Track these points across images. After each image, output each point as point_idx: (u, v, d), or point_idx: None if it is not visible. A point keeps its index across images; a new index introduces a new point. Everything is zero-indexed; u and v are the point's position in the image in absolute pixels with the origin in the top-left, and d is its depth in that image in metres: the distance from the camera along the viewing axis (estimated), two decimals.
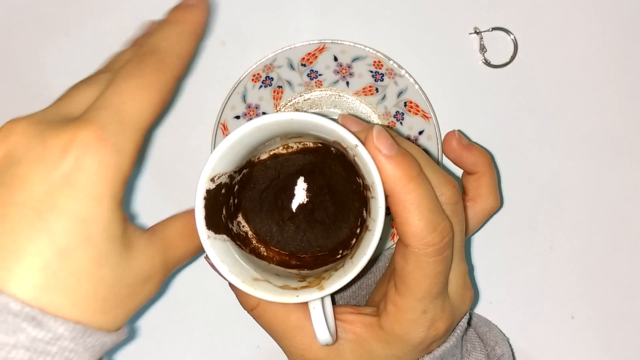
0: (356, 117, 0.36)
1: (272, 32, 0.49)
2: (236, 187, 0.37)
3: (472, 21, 0.49)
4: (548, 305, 0.49)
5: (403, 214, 0.32)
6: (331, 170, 0.39)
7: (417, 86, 0.46)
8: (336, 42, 0.46)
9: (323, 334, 0.34)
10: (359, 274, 0.33)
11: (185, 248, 0.34)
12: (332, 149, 0.37)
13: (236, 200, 0.38)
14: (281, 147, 0.39)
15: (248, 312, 0.38)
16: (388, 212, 0.33)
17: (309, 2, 0.49)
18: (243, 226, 0.39)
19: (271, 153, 0.39)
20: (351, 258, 0.34)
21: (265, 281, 0.34)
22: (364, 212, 0.38)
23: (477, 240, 0.49)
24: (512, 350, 0.45)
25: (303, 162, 0.39)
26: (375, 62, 0.46)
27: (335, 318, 0.36)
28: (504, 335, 0.46)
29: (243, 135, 0.32)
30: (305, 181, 0.40)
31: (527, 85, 0.49)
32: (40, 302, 0.27)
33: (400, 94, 0.47)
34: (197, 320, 0.49)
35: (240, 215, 0.39)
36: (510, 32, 0.49)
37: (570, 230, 0.49)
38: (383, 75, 0.47)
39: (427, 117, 0.47)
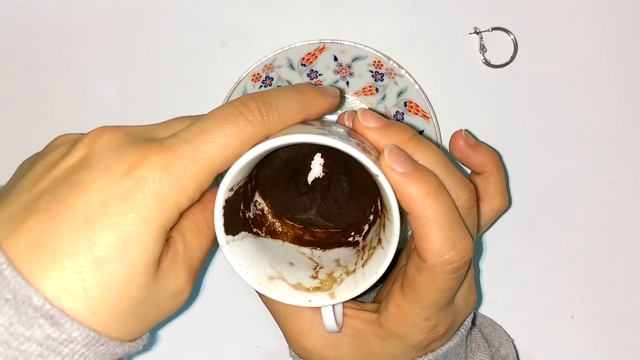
0: (375, 111, 0.36)
1: (272, 32, 0.49)
2: (254, 170, 0.38)
3: (472, 21, 0.49)
4: (548, 305, 0.49)
5: (421, 230, 0.32)
6: (351, 158, 0.39)
7: (417, 86, 0.46)
8: (336, 42, 0.46)
9: (330, 321, 0.35)
10: (370, 287, 0.34)
11: (205, 246, 0.34)
12: None
13: (254, 182, 0.39)
14: None
15: (260, 297, 0.39)
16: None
17: (309, 2, 0.49)
18: (259, 204, 0.39)
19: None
20: (363, 267, 0.35)
21: (279, 279, 0.35)
22: (378, 200, 0.38)
23: (477, 240, 0.49)
24: (516, 351, 0.45)
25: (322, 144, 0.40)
26: (375, 62, 0.46)
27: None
28: (509, 336, 0.46)
29: (264, 151, 0.32)
30: (322, 157, 0.40)
31: (527, 85, 0.49)
32: (62, 304, 0.28)
33: (400, 93, 0.47)
34: (197, 320, 0.49)
35: (257, 193, 0.39)
36: (510, 32, 0.49)
37: (570, 230, 0.49)
38: (383, 75, 0.47)
39: (427, 117, 0.47)
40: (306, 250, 0.39)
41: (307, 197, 0.41)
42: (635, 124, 0.49)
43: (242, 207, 0.37)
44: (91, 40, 0.49)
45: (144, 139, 0.31)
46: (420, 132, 0.47)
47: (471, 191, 0.35)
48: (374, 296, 0.42)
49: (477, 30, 0.49)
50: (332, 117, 0.45)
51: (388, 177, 0.32)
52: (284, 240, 0.39)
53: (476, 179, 0.40)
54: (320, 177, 0.40)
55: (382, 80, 0.47)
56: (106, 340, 0.29)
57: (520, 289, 0.49)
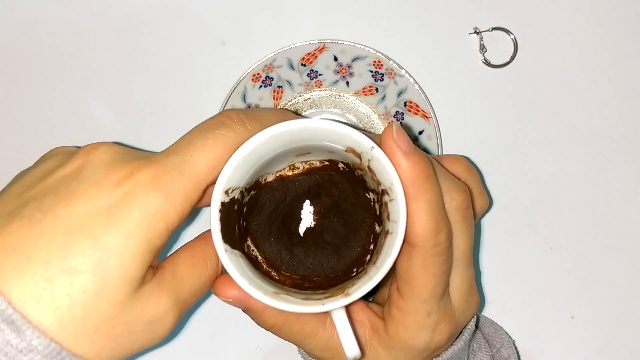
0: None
1: (272, 32, 0.49)
2: (245, 209, 0.37)
3: (472, 21, 0.49)
4: (548, 305, 0.49)
5: (416, 212, 0.32)
6: (338, 189, 0.39)
7: (417, 86, 0.46)
8: (336, 42, 0.46)
9: (352, 349, 0.33)
10: (385, 277, 0.33)
11: (200, 278, 0.33)
12: (340, 165, 0.37)
13: (245, 224, 0.38)
14: (287, 168, 0.38)
15: (269, 330, 0.38)
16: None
17: (309, 2, 0.49)
18: (253, 250, 0.38)
19: (277, 175, 0.38)
20: (374, 264, 0.34)
21: (286, 294, 0.34)
22: (376, 226, 0.37)
23: (478, 240, 0.49)
24: (517, 353, 0.45)
25: (309, 183, 0.39)
26: (375, 62, 0.46)
27: (348, 311, 0.36)
28: (510, 337, 0.46)
29: (257, 145, 0.32)
30: (311, 204, 0.40)
31: (527, 85, 0.49)
32: (27, 310, 0.27)
33: (400, 93, 0.47)
34: (197, 320, 0.49)
35: (249, 239, 0.38)
36: (510, 32, 0.49)
37: (570, 230, 0.49)
38: (383, 75, 0.47)
39: (427, 117, 0.47)
40: (309, 291, 0.37)
41: (302, 247, 0.39)
42: (635, 124, 0.49)
43: (237, 231, 0.36)
44: (91, 41, 0.49)
45: (138, 156, 0.31)
46: (421, 132, 0.47)
47: (465, 191, 0.35)
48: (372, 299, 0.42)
49: (477, 30, 0.49)
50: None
51: (392, 154, 0.32)
52: (283, 285, 0.38)
53: None
54: (312, 226, 0.40)
55: (382, 80, 0.47)
56: (68, 354, 0.28)
57: (520, 289, 0.49)
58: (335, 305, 0.33)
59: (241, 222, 0.37)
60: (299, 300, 0.33)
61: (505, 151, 0.49)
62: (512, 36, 0.49)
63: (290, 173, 0.38)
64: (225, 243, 0.33)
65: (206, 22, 0.49)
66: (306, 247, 0.39)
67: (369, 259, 0.37)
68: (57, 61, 0.49)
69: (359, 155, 0.33)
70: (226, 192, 0.33)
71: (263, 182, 0.38)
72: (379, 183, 0.34)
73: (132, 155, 0.31)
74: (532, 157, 0.49)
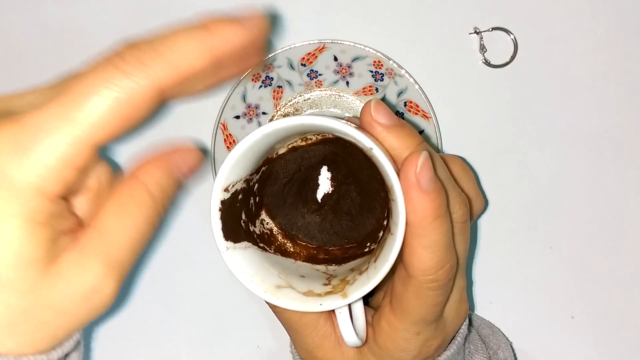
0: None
1: (272, 32, 0.49)
2: (256, 185, 0.36)
3: (472, 21, 0.49)
4: (548, 305, 0.49)
5: (417, 248, 0.31)
6: (354, 159, 0.38)
7: (417, 86, 0.46)
8: (336, 42, 0.46)
9: (350, 337, 0.34)
10: (383, 279, 0.32)
11: (133, 230, 0.27)
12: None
13: (257, 199, 0.37)
14: (300, 140, 0.37)
15: (272, 309, 0.38)
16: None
17: (309, 2, 0.49)
18: (267, 223, 0.38)
19: (290, 147, 0.37)
20: (375, 262, 0.33)
21: (288, 287, 0.33)
22: (390, 202, 0.36)
23: (477, 240, 0.49)
24: (515, 356, 0.45)
25: (324, 152, 0.38)
26: (375, 62, 0.46)
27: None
28: (507, 339, 0.46)
29: (253, 143, 0.31)
30: (329, 170, 0.38)
31: (527, 85, 0.49)
32: None
33: (400, 93, 0.47)
34: (197, 320, 0.49)
35: (263, 212, 0.38)
36: (510, 32, 0.49)
37: (570, 230, 0.49)
38: (383, 75, 0.47)
39: (427, 117, 0.47)
40: (320, 267, 0.37)
41: (318, 214, 0.39)
42: (635, 124, 0.49)
43: (244, 218, 0.35)
44: (91, 41, 0.49)
45: (2, 113, 0.25)
46: (421, 132, 0.47)
47: (466, 205, 0.34)
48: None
49: (477, 30, 0.49)
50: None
51: (408, 186, 0.30)
52: (296, 259, 0.38)
53: None
54: (330, 192, 0.39)
55: (382, 80, 0.47)
56: None
57: (520, 289, 0.49)
58: (332, 306, 0.33)
59: (253, 199, 0.36)
60: (300, 296, 0.33)
61: (505, 151, 0.49)
62: (512, 36, 0.49)
63: (304, 143, 0.37)
64: (228, 240, 0.32)
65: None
66: (323, 214, 0.39)
67: (381, 237, 0.36)
68: (57, 61, 0.49)
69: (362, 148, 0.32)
70: (226, 190, 0.32)
71: (275, 155, 0.37)
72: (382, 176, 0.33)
73: None
74: (532, 157, 0.49)
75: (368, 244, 0.38)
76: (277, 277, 0.34)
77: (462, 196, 0.35)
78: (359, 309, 0.35)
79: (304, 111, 0.47)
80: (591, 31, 0.49)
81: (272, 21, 0.49)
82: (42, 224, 0.25)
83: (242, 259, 0.33)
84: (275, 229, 0.38)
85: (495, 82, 0.49)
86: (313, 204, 0.39)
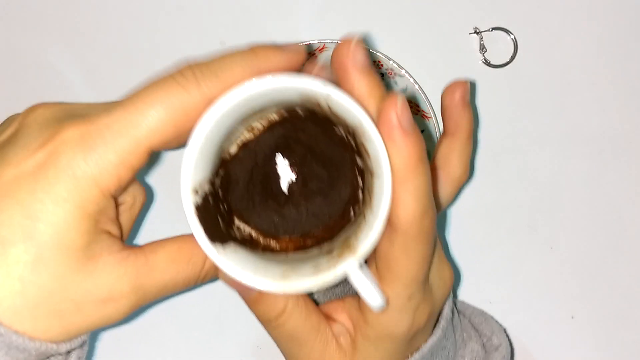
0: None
1: (272, 32, 0.49)
2: (220, 192, 0.35)
3: (472, 21, 0.49)
4: (548, 305, 0.49)
5: (402, 194, 0.30)
6: (305, 133, 0.36)
7: (417, 86, 0.46)
8: (336, 42, 0.46)
9: (375, 298, 0.32)
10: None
11: (174, 275, 0.31)
12: (299, 110, 0.34)
13: (226, 205, 0.35)
14: (246, 132, 0.36)
15: (269, 324, 0.36)
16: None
17: (309, 2, 0.49)
18: (244, 229, 0.36)
19: (239, 143, 0.36)
20: (371, 209, 0.31)
21: (294, 274, 0.32)
22: (357, 159, 0.35)
23: (477, 240, 0.49)
24: (510, 341, 0.44)
25: (274, 138, 0.36)
26: (375, 62, 0.46)
27: (329, 314, 0.35)
28: (501, 325, 0.45)
29: (209, 133, 0.29)
30: (284, 157, 0.37)
31: (527, 85, 0.49)
32: None
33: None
34: (197, 320, 0.49)
35: (236, 219, 0.36)
36: (510, 32, 0.49)
37: (570, 230, 0.49)
38: (383, 75, 0.47)
39: (427, 117, 0.47)
40: (314, 250, 0.36)
41: (291, 205, 0.37)
42: (635, 124, 0.49)
43: (222, 224, 0.34)
44: (91, 41, 0.49)
45: (75, 115, 0.28)
46: (421, 132, 0.47)
47: (462, 180, 0.37)
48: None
49: (477, 30, 0.49)
50: None
51: (389, 131, 0.29)
52: (287, 253, 0.36)
53: (443, 141, 0.39)
54: (293, 179, 0.37)
55: (381, 80, 0.47)
56: (7, 331, 0.26)
57: (520, 289, 0.49)
58: (345, 267, 0.31)
59: (222, 207, 0.35)
60: (310, 275, 0.31)
61: (505, 151, 0.49)
62: (512, 36, 0.49)
63: (251, 136, 0.36)
64: (215, 242, 0.31)
65: (206, 22, 0.49)
66: (295, 203, 0.37)
67: (363, 199, 0.35)
68: (56, 61, 0.49)
69: (317, 102, 0.31)
70: (195, 192, 0.31)
71: (228, 157, 0.35)
72: (345, 123, 0.31)
73: (69, 113, 0.29)
74: (532, 157, 0.49)
75: (351, 209, 0.36)
76: (278, 269, 0.33)
77: (466, 168, 0.37)
78: (368, 274, 0.33)
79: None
80: (591, 31, 0.49)
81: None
82: (90, 215, 0.27)
83: (236, 260, 0.32)
84: (253, 233, 0.37)
85: (495, 82, 0.49)
86: (281, 196, 0.37)
